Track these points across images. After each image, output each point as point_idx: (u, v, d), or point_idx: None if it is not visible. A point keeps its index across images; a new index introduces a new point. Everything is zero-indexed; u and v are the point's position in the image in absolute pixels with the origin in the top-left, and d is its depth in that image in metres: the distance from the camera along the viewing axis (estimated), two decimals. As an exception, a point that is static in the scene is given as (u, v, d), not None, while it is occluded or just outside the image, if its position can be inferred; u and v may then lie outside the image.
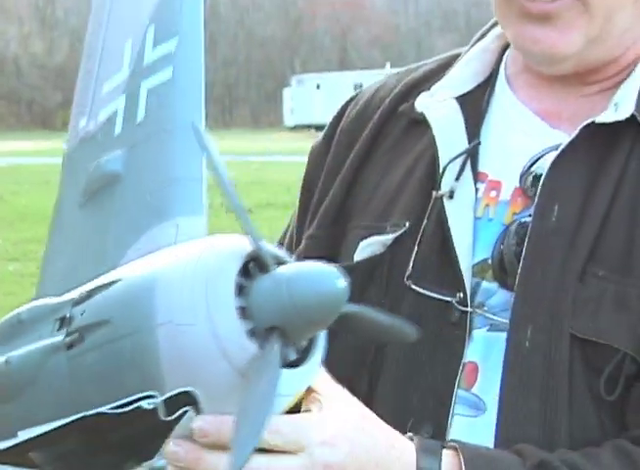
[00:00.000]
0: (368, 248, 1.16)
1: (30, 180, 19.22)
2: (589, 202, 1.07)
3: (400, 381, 1.09)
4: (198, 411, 0.90)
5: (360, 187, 1.20)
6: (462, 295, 1.09)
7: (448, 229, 1.10)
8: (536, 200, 1.08)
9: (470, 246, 1.10)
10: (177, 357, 0.89)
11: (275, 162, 24.55)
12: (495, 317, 1.08)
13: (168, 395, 0.91)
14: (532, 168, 1.10)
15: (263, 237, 0.86)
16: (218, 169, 0.87)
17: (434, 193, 1.12)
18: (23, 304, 1.53)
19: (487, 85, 1.19)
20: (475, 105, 1.17)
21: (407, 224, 1.13)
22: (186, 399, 0.91)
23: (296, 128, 41.64)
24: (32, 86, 39.79)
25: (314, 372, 0.89)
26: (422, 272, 1.11)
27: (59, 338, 0.97)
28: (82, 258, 1.17)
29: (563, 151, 1.08)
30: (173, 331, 0.88)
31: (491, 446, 1.03)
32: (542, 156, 1.10)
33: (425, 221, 1.12)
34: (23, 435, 1.00)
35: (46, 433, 0.97)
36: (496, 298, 1.09)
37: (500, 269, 1.08)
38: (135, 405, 0.92)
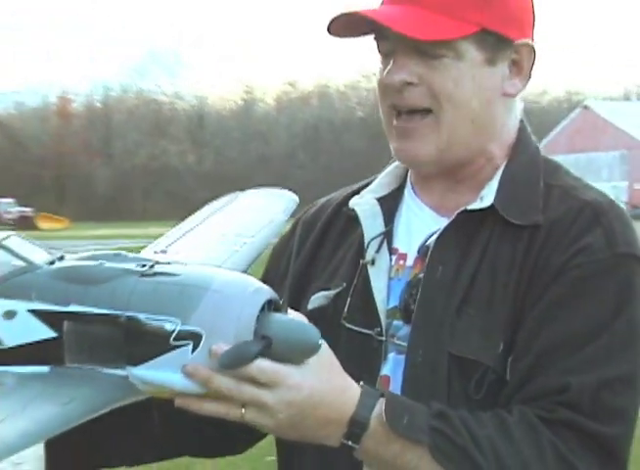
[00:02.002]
0: (317, 300, 1.54)
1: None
2: (462, 264, 1.42)
3: None
4: (193, 350, 1.24)
5: (316, 264, 1.60)
6: (379, 329, 1.46)
7: (370, 286, 1.48)
8: (426, 263, 1.45)
9: (384, 297, 1.48)
10: (208, 312, 1.25)
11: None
12: (401, 344, 1.43)
13: (188, 328, 1.26)
14: (427, 243, 1.46)
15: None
16: None
17: (361, 261, 1.51)
18: None
19: (400, 189, 1.58)
20: (389, 202, 1.55)
21: (344, 284, 1.52)
22: (193, 338, 1.25)
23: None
24: (187, 188, 46.23)
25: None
26: (353, 315, 1.49)
27: (138, 269, 1.32)
28: None
29: (443, 231, 1.45)
30: (218, 297, 1.25)
31: None
32: (432, 235, 1.46)
33: (355, 281, 1.50)
34: (75, 308, 1.32)
35: (90, 314, 1.31)
36: (402, 331, 1.44)
37: (405, 311, 1.44)
38: (161, 323, 1.27)
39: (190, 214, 1.74)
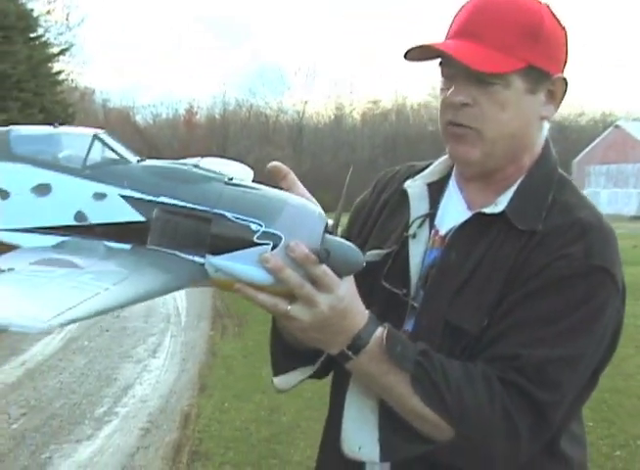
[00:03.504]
0: (370, 256, 1.71)
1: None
2: (470, 254, 1.62)
3: None
4: (272, 249, 1.41)
5: (378, 225, 1.81)
6: (406, 291, 1.66)
7: (408, 255, 1.68)
8: (443, 248, 1.67)
9: (418, 266, 1.68)
10: (288, 221, 1.42)
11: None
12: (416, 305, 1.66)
13: (271, 230, 1.41)
14: (450, 231, 1.69)
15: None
16: None
17: (404, 234, 1.70)
18: None
19: (446, 178, 1.77)
20: (436, 188, 1.75)
21: (394, 247, 1.71)
22: (274, 239, 1.41)
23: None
24: (288, 189, 54.84)
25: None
26: (390, 276, 1.68)
27: (225, 179, 1.48)
28: None
29: (460, 225, 1.66)
30: (295, 211, 1.44)
31: None
32: (457, 225, 1.68)
33: (398, 248, 1.70)
34: (165, 199, 1.46)
35: (179, 206, 1.46)
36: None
37: (425, 282, 1.66)
38: (247, 223, 1.42)
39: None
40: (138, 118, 58.02)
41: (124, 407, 7.40)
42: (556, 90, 1.66)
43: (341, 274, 1.45)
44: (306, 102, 61.93)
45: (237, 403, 7.43)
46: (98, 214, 1.49)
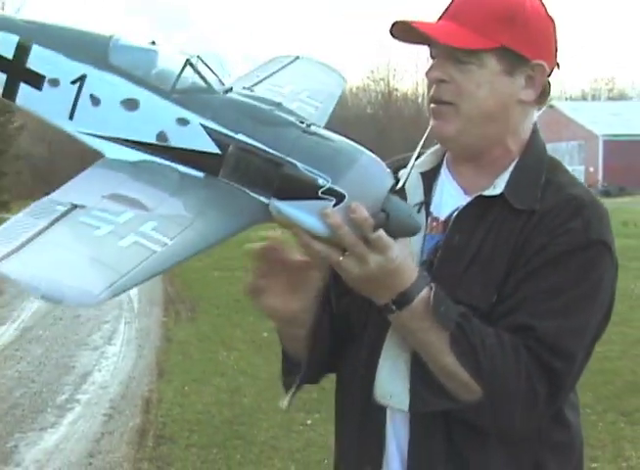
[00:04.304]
0: None
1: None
2: (473, 235, 1.70)
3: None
4: (335, 205, 1.46)
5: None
6: None
7: (409, 240, 1.65)
8: (447, 231, 1.74)
9: (419, 251, 1.74)
10: (355, 180, 1.48)
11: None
12: None
13: (337, 187, 1.47)
14: (451, 215, 1.75)
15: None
16: None
17: None
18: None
19: (437, 168, 1.85)
20: (429, 176, 1.83)
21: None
22: (338, 197, 1.46)
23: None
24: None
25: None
26: None
27: (303, 126, 1.54)
28: None
29: (463, 209, 1.74)
30: (364, 171, 1.50)
31: None
32: (456, 209, 1.75)
33: None
34: (243, 138, 1.53)
35: (255, 147, 1.52)
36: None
37: (429, 265, 1.73)
38: (316, 176, 1.48)
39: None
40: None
41: (85, 394, 7.48)
42: (535, 76, 1.72)
43: (396, 236, 1.52)
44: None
45: (197, 387, 7.55)
46: (178, 138, 1.56)
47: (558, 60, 1.78)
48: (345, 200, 1.48)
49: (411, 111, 61.52)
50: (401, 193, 1.54)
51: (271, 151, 1.52)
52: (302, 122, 1.56)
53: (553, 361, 1.61)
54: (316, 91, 1.97)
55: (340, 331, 1.83)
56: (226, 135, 1.55)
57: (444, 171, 1.85)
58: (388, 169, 1.57)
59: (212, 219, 1.47)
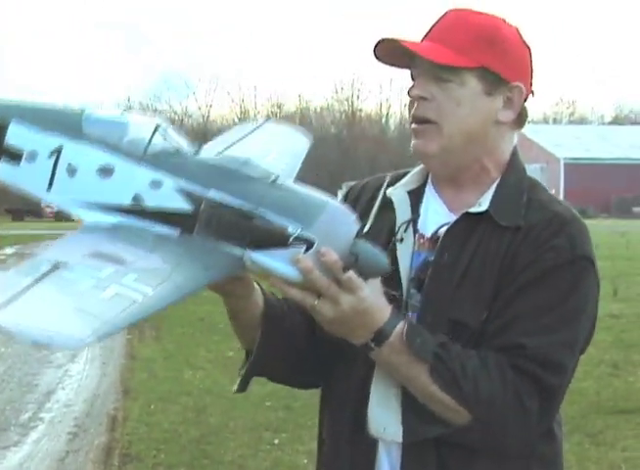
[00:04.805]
0: None
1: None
2: (462, 252, 1.74)
3: None
4: (305, 251, 1.54)
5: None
6: (401, 292, 1.76)
7: (397, 258, 1.77)
8: (436, 249, 1.77)
9: (407, 268, 1.78)
10: (323, 226, 1.55)
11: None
12: (416, 304, 1.76)
13: (307, 233, 1.55)
14: (438, 232, 1.79)
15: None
16: None
17: (393, 238, 1.81)
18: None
19: (422, 186, 1.88)
20: (416, 195, 1.86)
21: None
22: (308, 243, 1.54)
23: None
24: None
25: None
26: (384, 281, 1.68)
27: (269, 180, 1.62)
28: None
29: (450, 226, 1.77)
30: (331, 218, 1.57)
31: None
32: (442, 226, 1.79)
33: (386, 252, 1.66)
34: (214, 194, 1.59)
35: (226, 202, 1.58)
36: (416, 297, 1.76)
37: (418, 282, 1.77)
38: (286, 224, 1.55)
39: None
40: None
41: (49, 413, 7.40)
42: (514, 97, 1.77)
43: (366, 277, 1.59)
44: (211, 106, 61.64)
45: (163, 406, 7.51)
46: (153, 200, 1.64)
47: (533, 87, 1.81)
48: (315, 245, 1.55)
49: (375, 131, 61.93)
50: (371, 231, 1.62)
51: (241, 204, 1.59)
52: (269, 177, 1.63)
53: (546, 377, 1.65)
54: (283, 152, 2.06)
55: (324, 342, 1.84)
56: (198, 193, 1.62)
57: (429, 189, 1.88)
58: (354, 217, 1.62)
59: (189, 272, 1.54)
